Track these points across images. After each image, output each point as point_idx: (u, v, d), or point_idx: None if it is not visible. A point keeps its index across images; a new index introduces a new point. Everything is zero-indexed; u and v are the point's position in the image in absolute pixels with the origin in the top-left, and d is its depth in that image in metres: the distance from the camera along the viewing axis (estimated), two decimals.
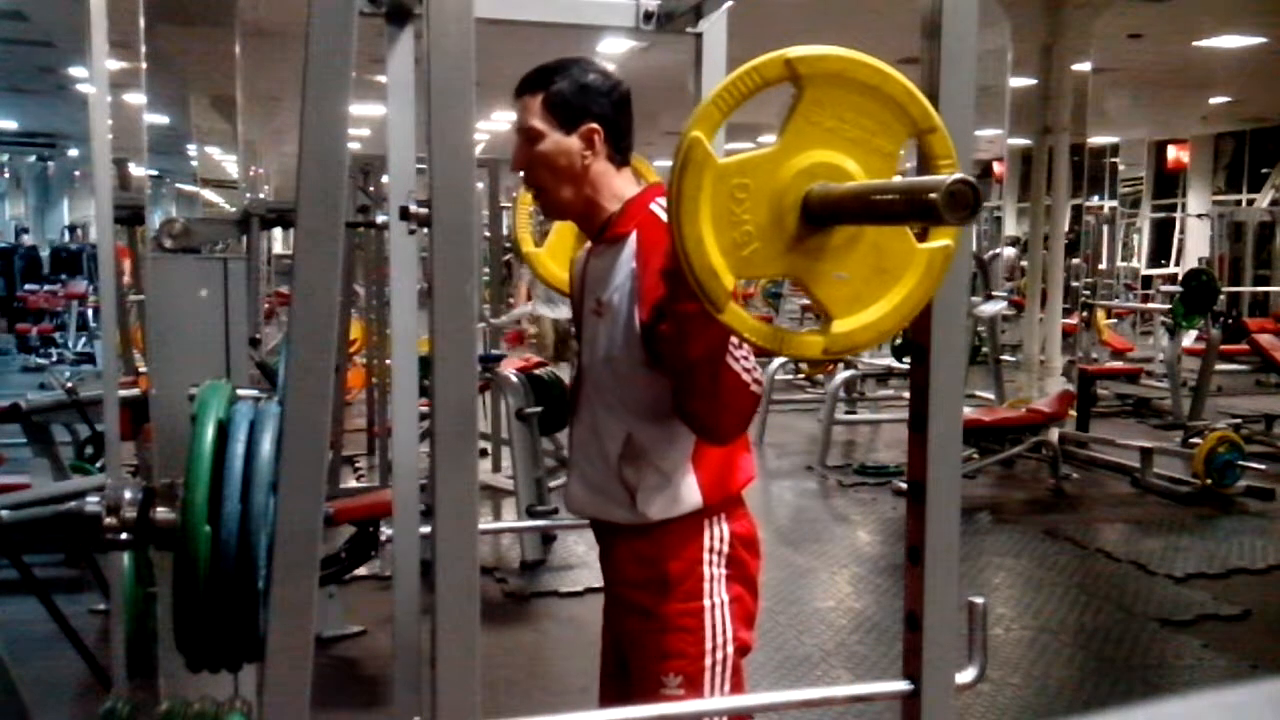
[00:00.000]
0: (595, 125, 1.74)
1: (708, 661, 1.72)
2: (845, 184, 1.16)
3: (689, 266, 1.15)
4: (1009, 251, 13.42)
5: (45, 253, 17.04)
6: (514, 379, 5.26)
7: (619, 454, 1.72)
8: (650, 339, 1.65)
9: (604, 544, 1.86)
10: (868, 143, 1.18)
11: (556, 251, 2.72)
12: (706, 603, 1.73)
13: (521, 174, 1.79)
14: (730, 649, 1.74)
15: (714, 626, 1.73)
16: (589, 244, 1.86)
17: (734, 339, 1.52)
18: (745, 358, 1.56)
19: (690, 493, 1.72)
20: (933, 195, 1.02)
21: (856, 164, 1.18)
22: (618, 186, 1.78)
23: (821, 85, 1.16)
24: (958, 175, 1.03)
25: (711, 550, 1.75)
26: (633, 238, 1.72)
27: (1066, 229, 7.99)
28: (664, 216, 1.31)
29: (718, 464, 1.74)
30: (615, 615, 1.86)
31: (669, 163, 1.20)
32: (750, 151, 1.17)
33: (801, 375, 10.21)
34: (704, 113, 1.15)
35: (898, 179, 1.14)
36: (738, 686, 1.76)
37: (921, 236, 1.21)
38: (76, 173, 22.79)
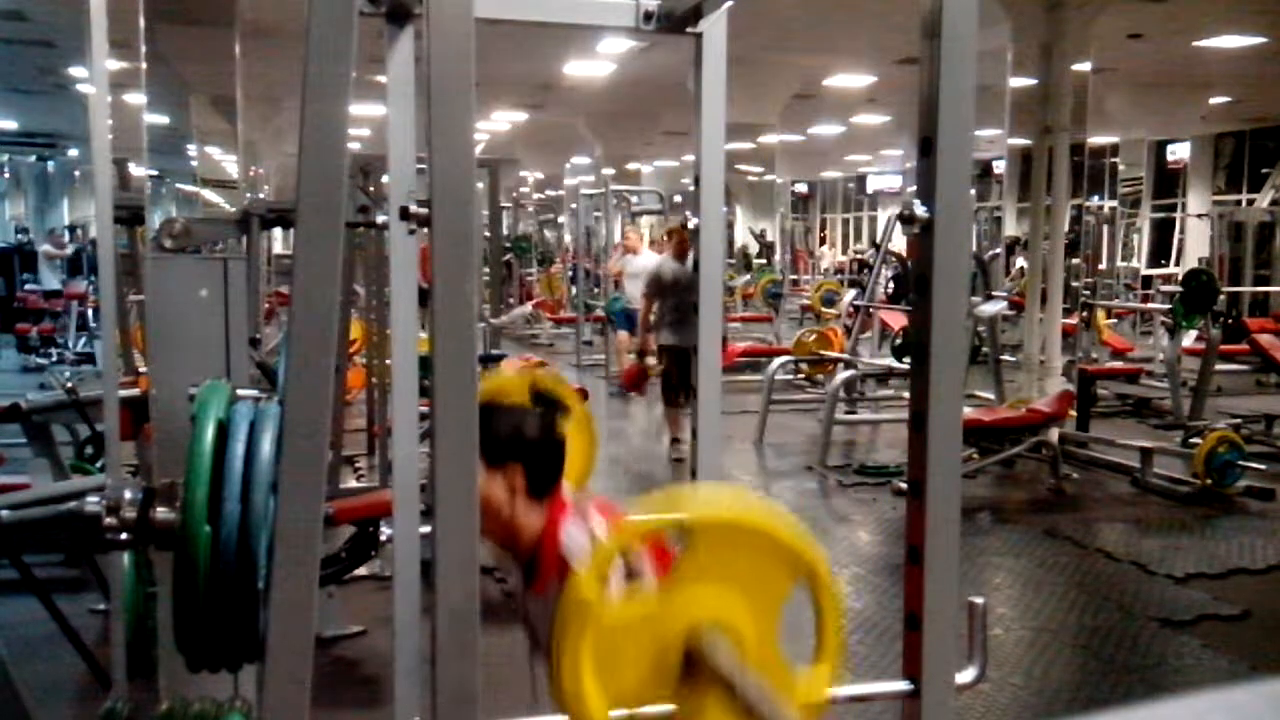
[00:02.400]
0: (518, 467, 1.76)
1: None
2: (722, 660, 1.19)
3: (568, 713, 1.19)
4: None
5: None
6: None
7: None
8: None
9: None
10: (756, 585, 1.22)
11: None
12: None
13: None
14: None
15: None
16: (524, 583, 1.87)
17: None
18: None
19: None
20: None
21: (743, 606, 1.21)
22: (532, 521, 1.79)
23: (709, 537, 1.20)
24: None
25: None
26: (553, 592, 1.72)
27: (1066, 229, 7.99)
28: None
29: None
30: None
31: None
32: (636, 601, 1.20)
33: (802, 375, 10.21)
34: (591, 572, 1.18)
35: (761, 693, 1.16)
36: None
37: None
38: (76, 173, 22.79)
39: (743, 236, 19.28)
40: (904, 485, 1.29)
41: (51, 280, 14.51)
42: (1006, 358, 8.15)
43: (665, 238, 7.79)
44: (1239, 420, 7.40)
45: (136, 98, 4.02)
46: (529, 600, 1.86)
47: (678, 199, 20.45)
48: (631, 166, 20.20)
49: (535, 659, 1.94)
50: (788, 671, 1.24)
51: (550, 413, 1.86)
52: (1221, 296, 8.91)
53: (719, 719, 1.23)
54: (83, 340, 12.19)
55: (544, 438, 1.82)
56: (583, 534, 1.75)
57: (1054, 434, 6.60)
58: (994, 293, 8.39)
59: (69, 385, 4.90)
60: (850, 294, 12.41)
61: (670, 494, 1.25)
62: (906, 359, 2.66)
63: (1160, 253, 17.81)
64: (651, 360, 7.27)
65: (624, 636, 1.20)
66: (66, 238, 16.13)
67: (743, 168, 17.46)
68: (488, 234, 8.16)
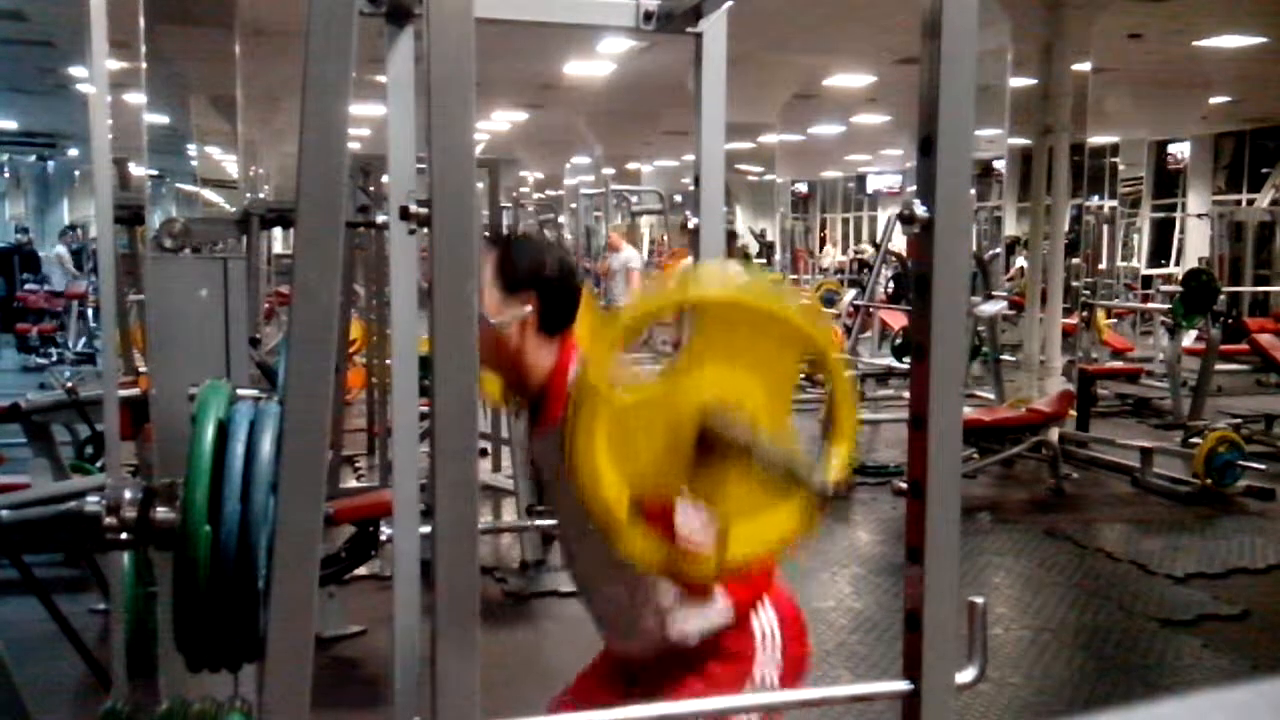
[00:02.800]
0: (532, 297, 1.76)
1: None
2: (736, 429, 1.19)
3: (587, 501, 1.20)
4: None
5: (43, 252, 17.03)
6: None
7: (626, 602, 1.75)
8: None
9: (646, 665, 1.84)
10: (767, 365, 1.22)
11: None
12: (755, 671, 1.75)
13: None
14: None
15: (757, 685, 1.74)
16: (531, 423, 1.87)
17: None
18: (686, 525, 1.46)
19: (719, 610, 1.73)
20: (801, 484, 1.11)
21: (756, 384, 1.21)
22: (542, 358, 1.79)
23: (717, 318, 1.20)
24: (821, 483, 1.10)
25: (763, 633, 1.76)
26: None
27: (1066, 229, 7.99)
28: None
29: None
30: (640, 667, 1.85)
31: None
32: (647, 385, 1.19)
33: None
34: (598, 359, 1.18)
35: (778, 452, 1.17)
36: None
37: (817, 383, 1.27)
38: (76, 173, 22.79)
39: (743, 236, 19.27)
40: (904, 485, 1.29)
41: (61, 282, 14.50)
42: (1006, 358, 8.15)
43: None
44: (1239, 420, 7.41)
45: (136, 98, 4.02)
46: (535, 441, 1.85)
47: (678, 199, 20.46)
48: (631, 166, 20.21)
49: (546, 499, 1.96)
50: (802, 452, 1.24)
51: (570, 260, 1.85)
52: (1221, 296, 8.91)
53: (735, 498, 1.23)
54: (83, 340, 12.19)
55: (562, 271, 1.80)
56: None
57: (1054, 434, 6.60)
58: (994, 293, 8.39)
59: (69, 385, 4.90)
60: (850, 294, 12.41)
61: (677, 277, 1.23)
62: (906, 359, 2.66)
63: (1160, 253, 17.82)
64: None
65: (637, 419, 1.19)
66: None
67: (743, 168, 17.46)
68: (488, 234, 8.17)
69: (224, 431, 1.29)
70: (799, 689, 1.80)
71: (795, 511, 1.26)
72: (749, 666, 1.74)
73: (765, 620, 1.76)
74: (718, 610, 1.73)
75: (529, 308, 1.75)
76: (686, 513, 1.36)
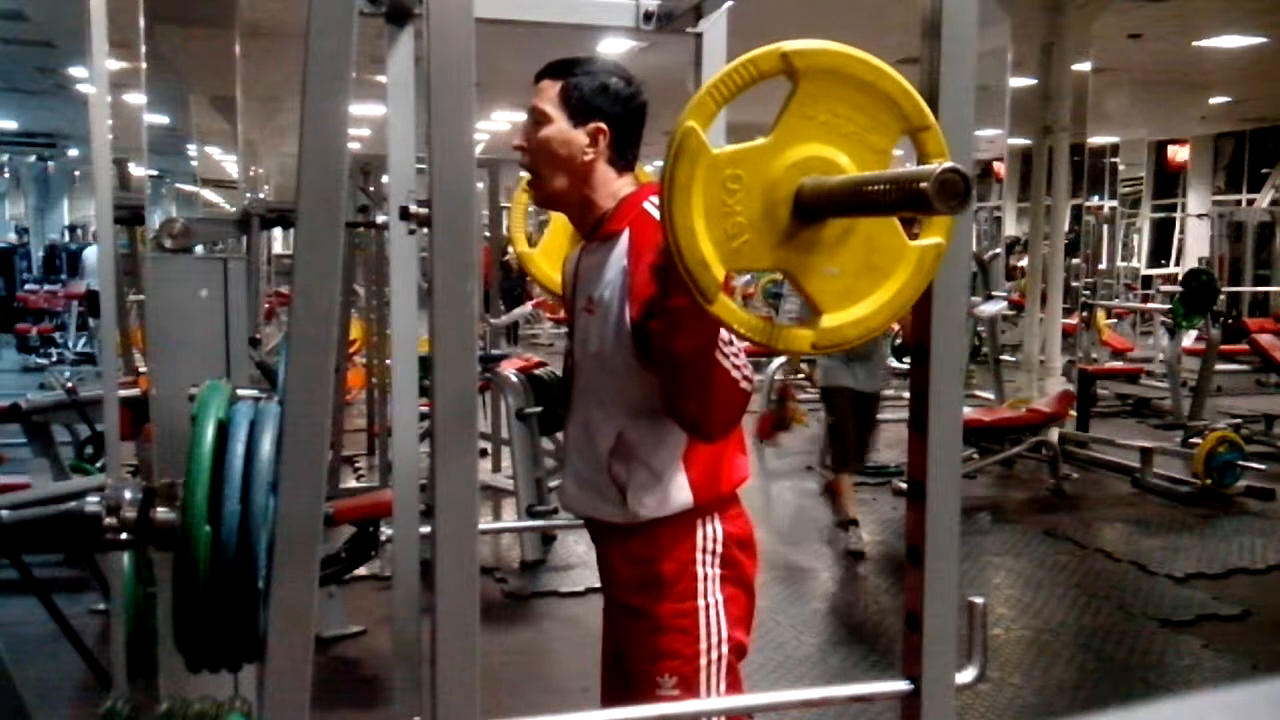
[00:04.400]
0: (604, 125, 1.74)
1: (702, 661, 1.72)
2: (837, 176, 1.16)
3: (680, 256, 1.15)
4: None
5: (41, 253, 17.02)
6: (514, 379, 5.26)
7: (609, 451, 1.73)
8: (641, 336, 1.65)
9: (599, 545, 1.86)
10: (861, 138, 1.18)
11: (550, 251, 2.71)
12: (700, 603, 1.73)
13: (521, 155, 1.79)
14: (725, 649, 1.73)
15: (708, 627, 1.73)
16: (583, 242, 1.86)
17: (724, 336, 1.52)
18: (736, 354, 1.57)
19: (680, 492, 1.72)
20: (923, 184, 1.01)
21: (849, 159, 1.18)
22: (615, 186, 1.77)
23: (817, 80, 1.16)
24: (948, 164, 1.02)
25: (704, 550, 1.74)
26: (625, 235, 1.72)
27: (1066, 229, 7.99)
28: (657, 215, 1.30)
29: (709, 463, 1.74)
30: (612, 617, 1.86)
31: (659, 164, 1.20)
32: (744, 144, 1.16)
33: (802, 375, 10.21)
34: (699, 102, 1.15)
35: (890, 173, 1.13)
36: (734, 687, 1.76)
37: (913, 235, 1.22)
38: (76, 173, 22.78)
39: None
40: (904, 485, 1.29)
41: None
42: (1006, 358, 8.15)
43: None
44: (1239, 420, 7.40)
45: (136, 98, 4.02)
46: (587, 252, 1.82)
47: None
48: None
49: (568, 310, 1.92)
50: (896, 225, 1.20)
51: (635, 90, 1.80)
52: (1221, 296, 8.92)
53: (827, 269, 1.19)
54: (83, 340, 12.19)
55: (631, 95, 1.77)
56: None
57: (1054, 434, 6.60)
58: (994, 293, 8.39)
59: (69, 385, 4.90)
60: None
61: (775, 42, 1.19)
62: (906, 359, 2.66)
63: (1160, 253, 17.81)
64: (801, 409, 5.65)
65: (732, 178, 1.15)
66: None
67: None
68: (488, 234, 8.16)
69: (224, 431, 1.29)
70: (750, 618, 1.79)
71: (890, 288, 1.20)
72: (693, 603, 1.72)
73: (711, 532, 1.75)
74: (678, 493, 1.71)
75: (599, 134, 1.73)
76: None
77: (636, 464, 1.71)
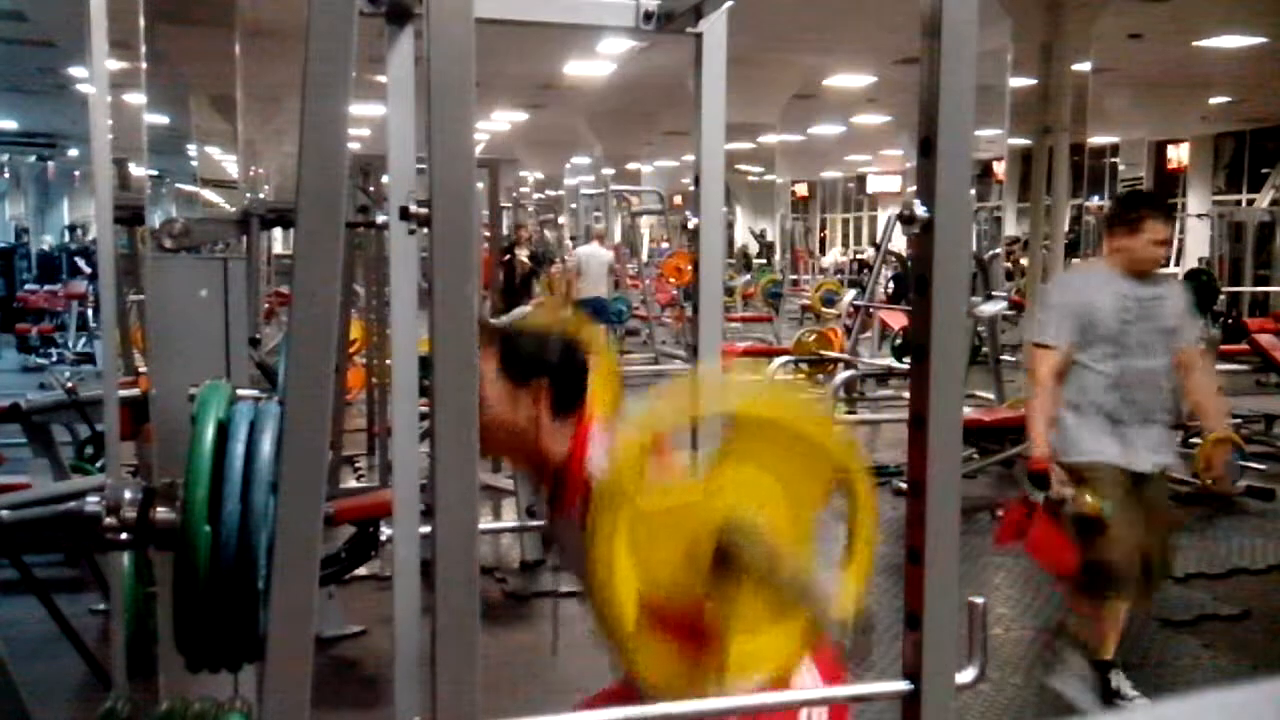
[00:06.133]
0: (543, 384, 1.76)
1: None
2: (759, 549, 1.18)
3: (597, 608, 1.19)
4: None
5: (38, 253, 17.02)
6: None
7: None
8: None
9: None
10: (792, 482, 1.22)
11: None
12: None
13: None
14: None
15: None
16: (550, 504, 1.86)
17: None
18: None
19: None
20: (822, 612, 1.11)
21: (778, 501, 1.21)
22: (558, 439, 1.78)
23: (748, 431, 1.19)
24: (836, 622, 1.07)
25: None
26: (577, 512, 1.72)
27: (1066, 229, 7.99)
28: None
29: None
30: None
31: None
32: (672, 495, 1.18)
33: (802, 375, 10.21)
34: (627, 456, 1.18)
35: (793, 579, 1.17)
36: None
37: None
38: (76, 173, 22.79)
39: (743, 236, 19.29)
40: (904, 485, 1.28)
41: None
42: (1006, 358, 8.14)
43: (1111, 233, 3.45)
44: (1239, 420, 7.40)
45: (136, 98, 4.02)
46: (556, 522, 1.85)
47: (678, 199, 20.46)
48: (631, 166, 20.22)
49: (564, 579, 1.92)
50: (818, 583, 1.23)
51: (573, 338, 1.84)
52: (1221, 296, 8.92)
53: (751, 613, 1.22)
54: (83, 340, 12.19)
55: (568, 353, 1.81)
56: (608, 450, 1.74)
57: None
58: (994, 293, 8.39)
59: (69, 385, 4.90)
60: (850, 294, 12.42)
61: (709, 383, 1.22)
62: (906, 359, 2.65)
63: None
64: (1066, 490, 3.29)
65: (659, 524, 1.17)
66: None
67: (743, 168, 17.47)
68: (488, 234, 8.16)
69: (224, 431, 1.29)
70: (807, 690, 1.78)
71: (800, 635, 1.25)
72: None
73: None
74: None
75: (540, 395, 1.75)
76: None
77: None
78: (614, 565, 1.16)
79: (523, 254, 12.47)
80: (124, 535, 1.36)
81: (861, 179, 27.40)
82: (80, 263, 14.05)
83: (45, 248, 15.32)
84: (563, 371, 1.79)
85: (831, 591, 1.13)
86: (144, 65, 3.73)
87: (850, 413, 8.50)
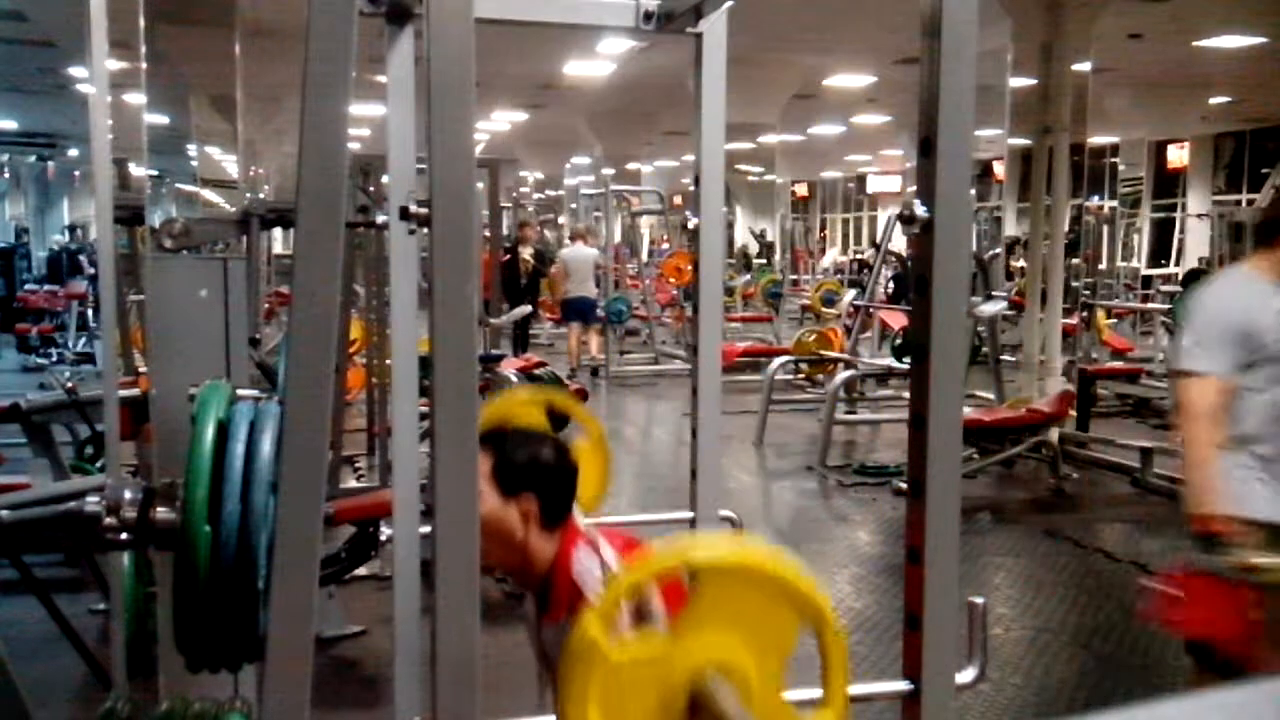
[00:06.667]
0: (533, 496, 1.76)
1: None
2: (726, 706, 1.17)
3: None
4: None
5: (42, 253, 17.00)
6: (514, 379, 5.26)
7: None
8: None
9: None
10: (763, 634, 1.21)
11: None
12: None
13: None
14: None
15: None
16: (537, 610, 1.87)
17: None
18: None
19: None
20: None
21: (749, 657, 1.21)
22: (546, 548, 1.78)
23: (716, 581, 1.20)
24: None
25: None
26: (565, 622, 1.70)
27: (1066, 229, 7.99)
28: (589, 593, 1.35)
29: None
30: None
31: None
32: (644, 645, 1.19)
33: (802, 375, 10.21)
34: (601, 609, 1.18)
35: None
36: None
37: None
38: (76, 173, 22.78)
39: (743, 236, 19.29)
40: (904, 485, 1.29)
41: None
42: (1006, 358, 8.14)
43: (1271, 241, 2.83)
44: None
45: (136, 98, 4.02)
46: (543, 629, 1.86)
47: (678, 199, 20.46)
48: (631, 166, 20.21)
49: (549, 685, 1.92)
50: (794, 718, 1.24)
51: (563, 440, 1.86)
52: None
53: None
54: (83, 340, 12.19)
55: (559, 465, 1.81)
56: (595, 563, 1.74)
57: (1054, 434, 6.60)
58: (994, 293, 8.39)
59: (69, 385, 4.90)
60: (850, 294, 12.42)
61: (677, 539, 1.25)
62: (906, 359, 2.64)
63: (1160, 253, 17.82)
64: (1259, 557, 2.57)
65: (630, 678, 1.19)
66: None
67: (743, 168, 17.46)
68: (488, 234, 8.16)
69: (224, 431, 1.29)
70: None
71: None
72: None
73: None
74: None
75: (530, 506, 1.76)
76: None
77: None
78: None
79: (527, 252, 12.46)
80: (124, 535, 1.35)
81: (861, 179, 27.40)
82: (83, 261, 14.08)
83: (54, 248, 15.26)
84: (554, 480, 1.79)
85: None
86: (144, 65, 3.73)
87: (850, 413, 8.50)
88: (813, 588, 1.21)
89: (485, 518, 1.74)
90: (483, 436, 1.80)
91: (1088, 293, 9.48)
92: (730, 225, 18.21)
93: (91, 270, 12.82)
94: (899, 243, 11.31)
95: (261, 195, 14.12)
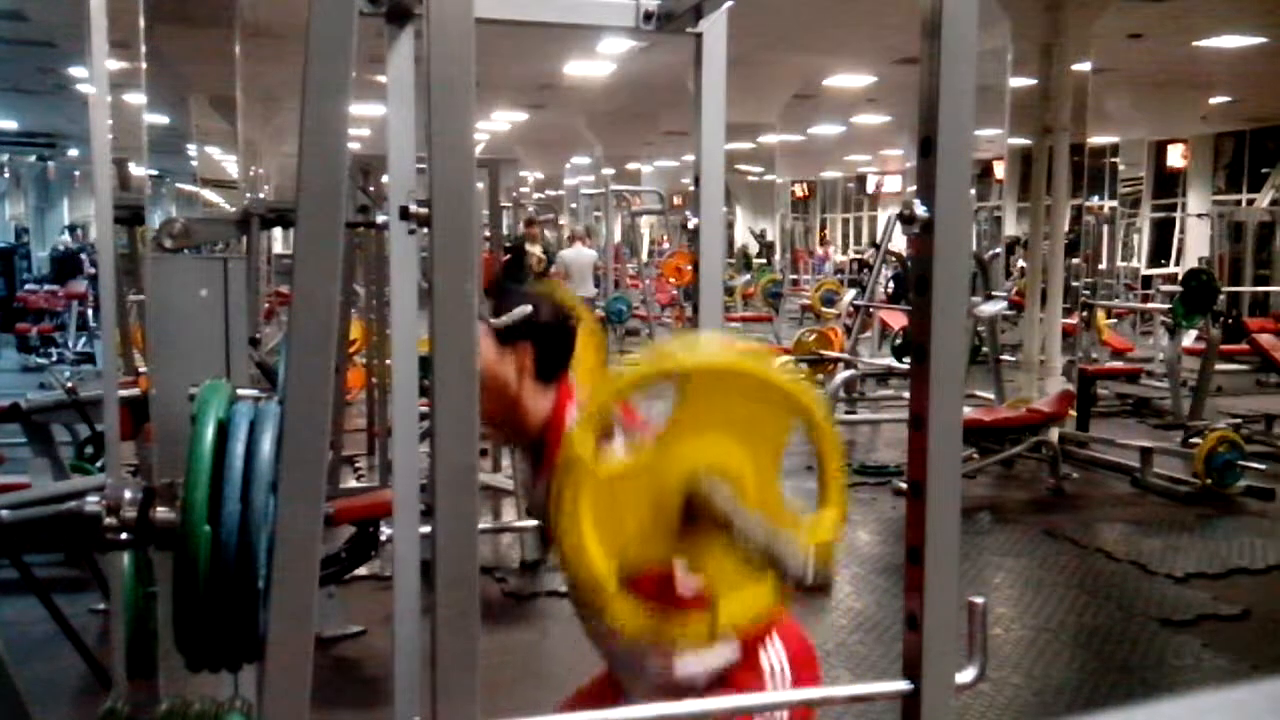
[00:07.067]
0: (527, 347, 1.76)
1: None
2: (722, 505, 1.17)
3: (572, 573, 1.19)
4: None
5: (43, 253, 16.98)
6: None
7: (637, 650, 1.70)
8: None
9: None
10: (754, 432, 1.21)
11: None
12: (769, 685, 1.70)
13: None
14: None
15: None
16: (531, 468, 1.86)
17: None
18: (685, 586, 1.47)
19: (725, 643, 1.66)
20: (784, 568, 1.08)
21: (742, 453, 1.20)
22: (541, 405, 1.78)
23: (702, 386, 1.19)
24: (809, 566, 1.07)
25: (772, 671, 1.70)
26: None
27: (1066, 229, 7.99)
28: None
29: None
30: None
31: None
32: (632, 456, 1.19)
33: (801, 375, 10.20)
34: (582, 427, 1.18)
35: (764, 535, 1.14)
36: None
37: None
38: (76, 173, 22.78)
39: (742, 236, 19.28)
40: (904, 485, 1.28)
41: None
42: (1006, 358, 8.15)
43: None
44: (1239, 420, 7.40)
45: (136, 98, 4.02)
46: (537, 488, 1.83)
47: (678, 199, 20.45)
48: (631, 166, 20.22)
49: (547, 544, 1.92)
50: (794, 517, 1.23)
51: (563, 302, 1.84)
52: (1221, 296, 8.91)
53: (722, 568, 1.22)
54: (83, 340, 12.19)
55: (556, 320, 1.80)
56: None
57: (1054, 434, 6.60)
58: (994, 293, 8.39)
59: (69, 385, 4.90)
60: (850, 294, 12.42)
61: (659, 347, 1.23)
62: (906, 359, 2.65)
63: (1160, 253, 17.82)
64: None
65: (622, 489, 1.18)
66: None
67: (743, 168, 17.46)
68: (488, 234, 8.14)
69: (224, 431, 1.29)
70: (804, 690, 1.78)
71: (774, 587, 1.26)
72: (761, 687, 1.69)
73: (774, 656, 1.72)
74: (723, 649, 1.68)
75: (525, 358, 1.75)
76: (684, 575, 1.34)
77: (673, 651, 1.67)
78: (582, 536, 1.16)
79: (536, 249, 12.46)
80: (124, 535, 1.35)
81: (861, 179, 27.40)
82: (84, 260, 14.09)
83: (60, 247, 15.24)
84: (550, 335, 1.78)
85: (798, 544, 1.13)
86: (144, 65, 3.73)
87: (850, 413, 8.50)
88: (799, 385, 1.20)
89: (483, 368, 1.73)
90: (485, 289, 1.81)
91: (1088, 293, 9.48)
92: (730, 225, 18.21)
93: (92, 270, 12.83)
94: (899, 243, 11.31)
95: (261, 195, 14.11)
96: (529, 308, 1.77)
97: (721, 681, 1.70)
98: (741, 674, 1.71)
